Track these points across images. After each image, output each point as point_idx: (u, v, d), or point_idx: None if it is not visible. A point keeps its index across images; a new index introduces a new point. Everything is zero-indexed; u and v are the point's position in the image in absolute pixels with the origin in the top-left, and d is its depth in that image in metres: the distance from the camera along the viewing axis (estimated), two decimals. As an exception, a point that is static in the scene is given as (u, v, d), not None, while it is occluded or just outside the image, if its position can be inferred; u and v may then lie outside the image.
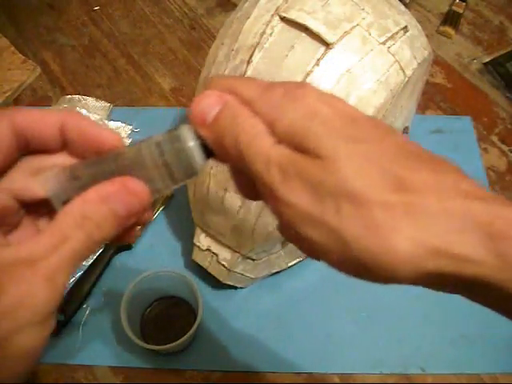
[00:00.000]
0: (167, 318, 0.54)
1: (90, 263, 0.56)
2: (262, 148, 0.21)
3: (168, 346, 0.48)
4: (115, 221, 0.22)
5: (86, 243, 0.22)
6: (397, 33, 0.45)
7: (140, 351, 0.52)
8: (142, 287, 0.51)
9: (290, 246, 0.53)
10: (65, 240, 0.21)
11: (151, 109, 0.71)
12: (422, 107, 0.70)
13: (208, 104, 0.23)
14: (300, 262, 0.57)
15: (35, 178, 0.24)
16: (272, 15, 0.44)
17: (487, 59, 0.75)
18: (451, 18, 0.79)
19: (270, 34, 0.44)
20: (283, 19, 0.44)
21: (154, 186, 0.23)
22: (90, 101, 0.70)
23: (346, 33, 0.43)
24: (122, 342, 0.52)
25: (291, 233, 0.22)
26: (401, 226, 0.19)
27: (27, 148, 0.24)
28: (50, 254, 0.21)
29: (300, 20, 0.43)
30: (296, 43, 0.43)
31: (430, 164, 0.21)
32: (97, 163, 0.24)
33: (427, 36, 0.50)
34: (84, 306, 0.54)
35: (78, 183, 0.24)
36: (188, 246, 0.57)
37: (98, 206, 0.22)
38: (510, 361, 0.51)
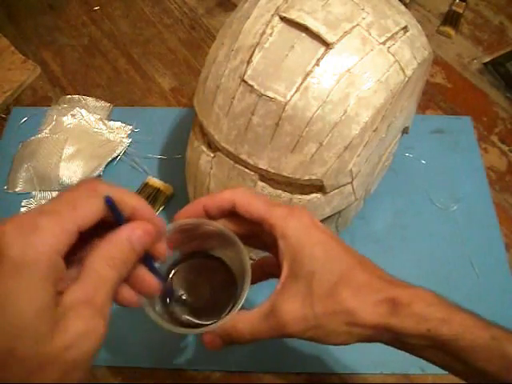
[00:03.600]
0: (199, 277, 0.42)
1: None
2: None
3: (199, 329, 0.36)
4: (135, 255, 0.29)
5: (118, 277, 0.28)
6: (397, 33, 0.45)
7: (140, 351, 0.52)
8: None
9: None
10: (103, 280, 0.27)
11: (151, 109, 0.71)
12: (422, 107, 0.70)
13: None
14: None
15: None
16: (272, 15, 0.44)
17: (487, 59, 0.75)
18: (451, 18, 0.79)
19: (270, 34, 0.44)
20: (283, 19, 0.44)
21: None
22: (90, 101, 0.70)
23: (346, 33, 0.43)
24: (123, 342, 0.52)
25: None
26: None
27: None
28: (97, 293, 0.27)
29: (300, 20, 0.43)
30: (296, 43, 0.43)
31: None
32: None
33: (427, 36, 0.50)
34: (84, 306, 0.54)
35: None
36: (188, 246, 0.57)
37: (122, 247, 0.28)
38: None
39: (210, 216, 0.38)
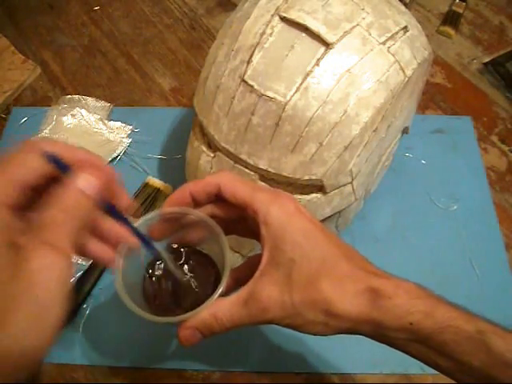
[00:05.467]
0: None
1: (90, 263, 0.56)
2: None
3: (181, 316, 0.35)
4: (89, 200, 0.29)
5: (75, 223, 0.28)
6: (397, 33, 0.45)
7: (140, 351, 0.52)
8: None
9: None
10: (58, 224, 0.27)
11: (151, 109, 0.71)
12: (422, 107, 0.70)
13: None
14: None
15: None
16: (272, 15, 0.44)
17: (487, 59, 0.75)
18: (451, 18, 0.79)
19: (270, 34, 0.44)
20: (283, 19, 0.44)
21: None
22: (90, 101, 0.70)
23: (346, 33, 0.43)
24: (122, 342, 0.52)
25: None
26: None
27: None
28: (53, 235, 0.27)
29: (300, 20, 0.43)
30: (296, 43, 0.43)
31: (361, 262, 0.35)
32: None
33: (427, 36, 0.50)
34: (84, 306, 0.54)
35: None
36: (188, 246, 0.57)
37: (73, 194, 0.28)
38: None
39: (197, 201, 0.37)
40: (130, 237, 0.33)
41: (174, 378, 0.51)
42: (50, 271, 0.26)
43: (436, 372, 0.33)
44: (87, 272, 0.55)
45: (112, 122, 0.68)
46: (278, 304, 0.33)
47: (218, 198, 0.37)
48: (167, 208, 0.38)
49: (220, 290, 0.35)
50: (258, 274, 0.34)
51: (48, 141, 0.30)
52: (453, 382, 0.34)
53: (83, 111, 0.68)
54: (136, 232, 0.34)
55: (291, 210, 0.34)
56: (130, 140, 0.67)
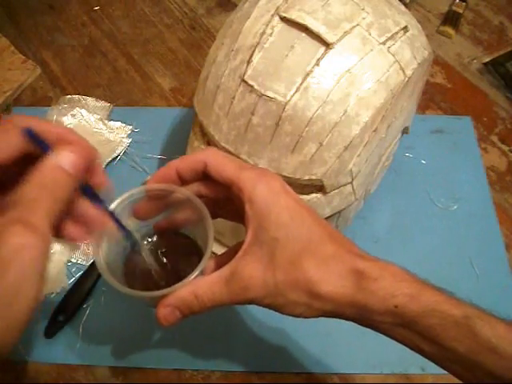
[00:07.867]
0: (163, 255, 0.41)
1: (89, 263, 0.56)
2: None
3: (162, 291, 0.34)
4: (69, 178, 0.27)
5: (53, 201, 0.27)
6: (397, 33, 0.45)
7: (140, 351, 0.52)
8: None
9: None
10: (35, 202, 0.26)
11: (151, 109, 0.71)
12: (422, 107, 0.70)
13: None
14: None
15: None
16: (272, 15, 0.45)
17: (487, 59, 0.75)
18: (451, 18, 0.79)
19: (270, 34, 0.44)
20: (283, 19, 0.44)
21: None
22: (90, 101, 0.70)
23: (346, 33, 0.43)
24: (122, 342, 0.52)
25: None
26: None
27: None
28: (30, 214, 0.25)
29: (300, 20, 0.43)
30: (296, 43, 0.43)
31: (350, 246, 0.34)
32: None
33: (427, 36, 0.50)
34: (84, 306, 0.54)
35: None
36: (188, 246, 0.57)
37: (53, 172, 0.27)
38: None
39: (183, 179, 0.36)
40: (105, 221, 0.32)
41: (174, 377, 0.51)
42: (24, 251, 0.24)
43: (436, 372, 0.33)
44: (87, 272, 0.55)
45: (112, 121, 0.68)
46: (260, 283, 0.32)
47: (205, 176, 0.36)
48: (153, 184, 0.37)
49: (200, 268, 0.34)
50: (241, 253, 0.33)
51: (26, 117, 0.29)
52: (453, 381, 0.34)
53: (83, 111, 0.68)
54: (112, 215, 0.33)
55: (277, 188, 0.33)
56: (130, 140, 0.67)
